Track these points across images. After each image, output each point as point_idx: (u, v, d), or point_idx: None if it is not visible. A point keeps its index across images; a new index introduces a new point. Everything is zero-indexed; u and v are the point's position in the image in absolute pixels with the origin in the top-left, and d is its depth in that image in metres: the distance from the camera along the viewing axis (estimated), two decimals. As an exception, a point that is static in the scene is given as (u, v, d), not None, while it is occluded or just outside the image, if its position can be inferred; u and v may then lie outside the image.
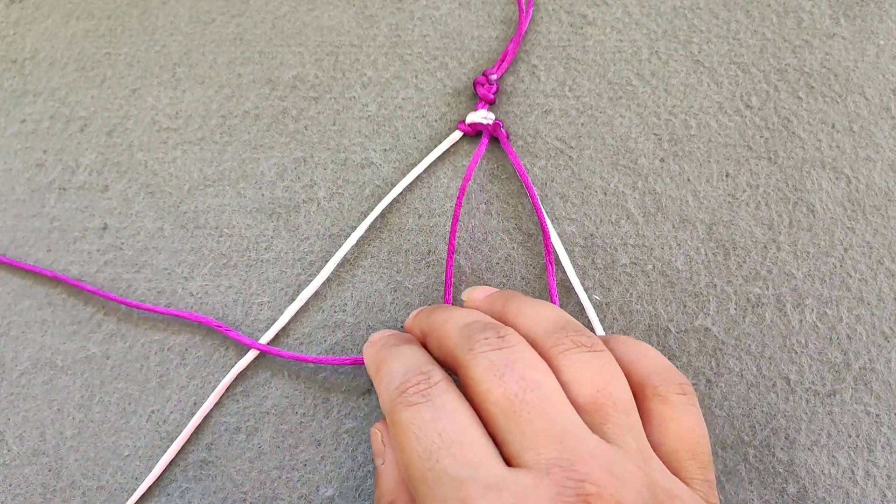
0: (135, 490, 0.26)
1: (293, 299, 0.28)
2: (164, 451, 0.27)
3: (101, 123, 0.31)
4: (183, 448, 0.27)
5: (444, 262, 0.29)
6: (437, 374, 0.21)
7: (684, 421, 0.21)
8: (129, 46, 0.32)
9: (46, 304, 0.29)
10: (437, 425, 0.20)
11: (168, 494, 0.26)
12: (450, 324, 0.22)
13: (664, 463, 0.20)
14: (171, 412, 0.27)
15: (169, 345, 0.28)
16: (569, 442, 0.19)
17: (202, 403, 0.27)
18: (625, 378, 0.21)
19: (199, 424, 0.27)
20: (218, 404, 0.27)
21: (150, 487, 0.26)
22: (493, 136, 0.30)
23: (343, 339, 0.28)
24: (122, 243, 0.30)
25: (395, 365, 0.21)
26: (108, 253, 0.29)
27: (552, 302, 0.27)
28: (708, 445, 0.21)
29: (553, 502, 0.18)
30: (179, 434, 0.27)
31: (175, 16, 0.33)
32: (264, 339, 0.28)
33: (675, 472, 0.20)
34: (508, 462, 0.19)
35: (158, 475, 0.26)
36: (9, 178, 0.31)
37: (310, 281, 0.29)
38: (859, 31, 0.32)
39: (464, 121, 0.30)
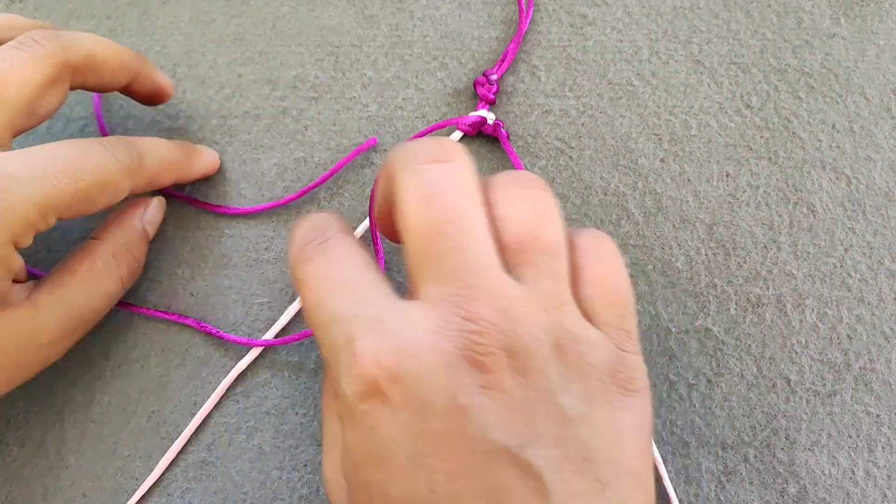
0: (135, 490, 0.26)
1: (293, 299, 0.28)
2: (165, 452, 0.26)
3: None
4: (183, 448, 0.27)
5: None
6: (333, 228, 0.22)
7: (601, 267, 0.21)
8: (129, 46, 0.32)
9: (46, 304, 0.29)
10: (328, 272, 0.20)
11: (168, 495, 0.26)
12: (400, 150, 0.21)
13: (581, 310, 0.20)
14: (171, 412, 0.27)
15: (169, 345, 0.28)
16: (471, 279, 0.19)
17: (202, 404, 0.27)
18: (561, 224, 0.20)
19: (200, 425, 0.27)
20: (218, 405, 0.27)
21: (150, 488, 0.26)
22: (493, 136, 0.30)
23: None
24: (123, 243, 0.29)
25: (297, 231, 0.22)
26: (108, 253, 0.29)
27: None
28: (629, 294, 0.21)
29: (434, 335, 0.18)
30: (179, 434, 0.27)
31: (175, 16, 0.33)
32: (266, 338, 0.28)
33: (589, 319, 0.20)
34: (411, 297, 0.19)
35: (159, 476, 0.26)
36: (9, 178, 0.31)
37: (310, 281, 0.29)
38: (859, 31, 0.32)
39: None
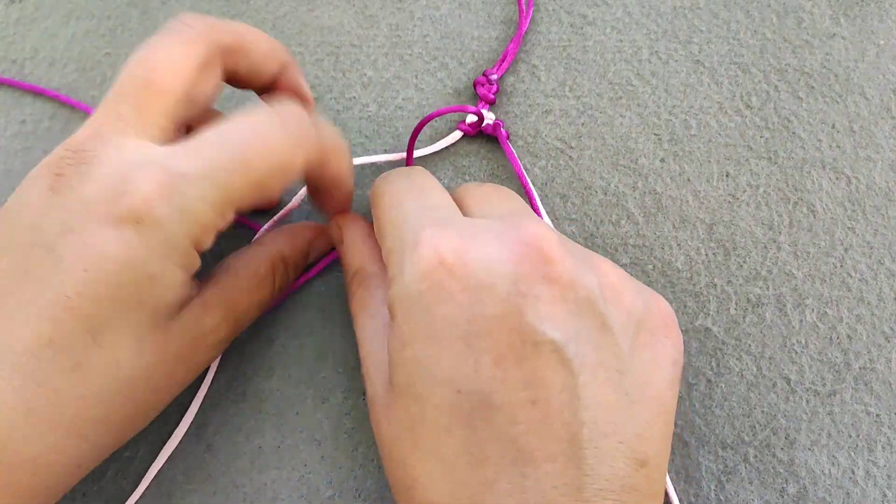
0: (133, 491, 0.26)
1: (293, 299, 0.28)
2: (164, 452, 0.26)
3: (101, 123, 0.31)
4: (183, 448, 0.27)
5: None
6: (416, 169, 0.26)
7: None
8: (130, 47, 0.32)
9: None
10: (409, 182, 0.24)
11: (168, 495, 0.26)
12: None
13: None
14: (172, 413, 0.27)
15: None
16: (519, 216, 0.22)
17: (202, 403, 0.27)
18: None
19: (200, 424, 0.27)
20: (218, 405, 0.27)
21: (150, 488, 0.26)
22: (493, 136, 0.30)
23: (343, 340, 0.28)
24: (123, 243, 0.29)
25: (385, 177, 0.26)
26: (108, 253, 0.29)
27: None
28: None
29: (501, 231, 0.21)
30: (180, 435, 0.27)
31: (175, 16, 0.33)
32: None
33: None
34: None
35: (156, 474, 0.26)
36: (9, 178, 0.31)
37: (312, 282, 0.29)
38: (859, 31, 0.32)
39: (464, 121, 0.30)
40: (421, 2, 0.33)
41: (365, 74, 0.32)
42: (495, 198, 0.24)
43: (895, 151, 0.30)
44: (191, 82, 0.22)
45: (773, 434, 0.27)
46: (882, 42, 0.32)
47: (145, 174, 0.20)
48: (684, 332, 0.28)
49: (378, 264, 0.25)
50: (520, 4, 0.32)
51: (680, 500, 0.26)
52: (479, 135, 0.31)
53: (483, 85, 0.31)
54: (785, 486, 0.26)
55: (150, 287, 0.20)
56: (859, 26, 0.32)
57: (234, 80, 0.25)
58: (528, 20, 0.32)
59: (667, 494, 0.26)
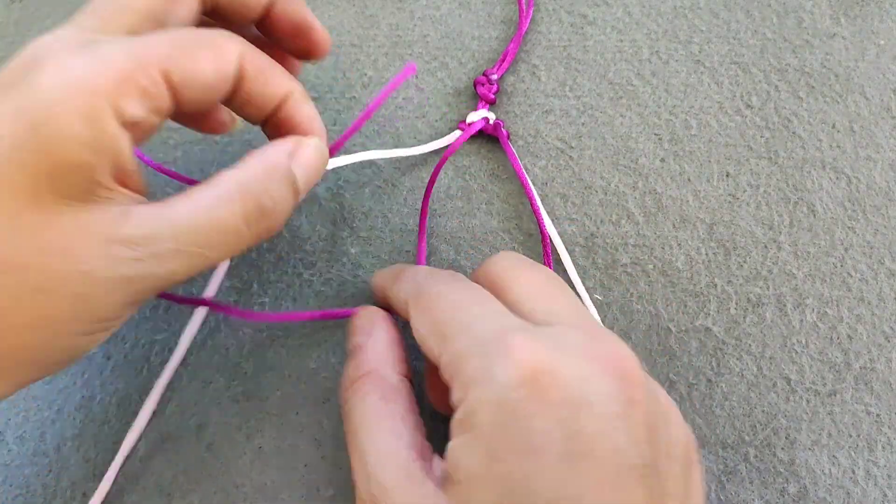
0: (134, 490, 0.26)
1: (295, 300, 0.28)
2: (164, 452, 0.26)
3: (101, 123, 0.31)
4: (184, 448, 0.27)
5: (446, 264, 0.29)
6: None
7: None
8: (130, 46, 0.32)
9: (47, 304, 0.29)
10: (461, 292, 0.22)
11: (168, 494, 0.26)
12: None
13: None
14: (172, 413, 0.27)
15: (170, 345, 0.28)
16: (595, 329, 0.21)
17: (202, 401, 0.27)
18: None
19: (200, 424, 0.27)
20: (219, 405, 0.27)
21: (150, 488, 0.26)
22: (493, 136, 0.30)
23: (343, 338, 0.28)
24: (123, 243, 0.29)
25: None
26: (108, 253, 0.29)
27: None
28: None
29: (585, 347, 0.19)
30: (180, 434, 0.27)
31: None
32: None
33: None
34: None
35: (158, 475, 0.26)
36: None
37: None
38: (859, 31, 0.32)
39: (464, 121, 0.30)
40: (421, 1, 0.33)
41: (365, 74, 0.32)
42: (555, 292, 0.22)
43: (895, 151, 0.30)
44: (159, 3, 0.20)
45: (774, 434, 0.27)
46: (882, 42, 0.32)
47: (60, 34, 0.19)
48: (685, 331, 0.28)
49: (399, 375, 0.23)
50: (520, 4, 0.32)
51: (680, 500, 0.26)
52: (480, 134, 0.31)
53: (483, 85, 0.31)
54: (785, 485, 0.26)
55: (38, 142, 0.17)
56: (859, 26, 0.32)
57: (217, 13, 0.23)
58: (529, 20, 0.32)
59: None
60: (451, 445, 0.19)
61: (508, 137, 0.30)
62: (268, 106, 0.22)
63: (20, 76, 0.18)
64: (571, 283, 0.28)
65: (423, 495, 0.19)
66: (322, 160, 0.23)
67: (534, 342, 0.19)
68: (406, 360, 0.23)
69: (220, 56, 0.20)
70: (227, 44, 0.20)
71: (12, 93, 0.18)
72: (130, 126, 0.18)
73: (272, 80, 0.21)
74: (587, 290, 0.28)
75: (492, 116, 0.30)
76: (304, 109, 0.22)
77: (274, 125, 0.22)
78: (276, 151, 0.21)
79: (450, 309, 0.21)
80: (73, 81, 0.17)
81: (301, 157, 0.22)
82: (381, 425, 0.21)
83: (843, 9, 0.33)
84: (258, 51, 0.21)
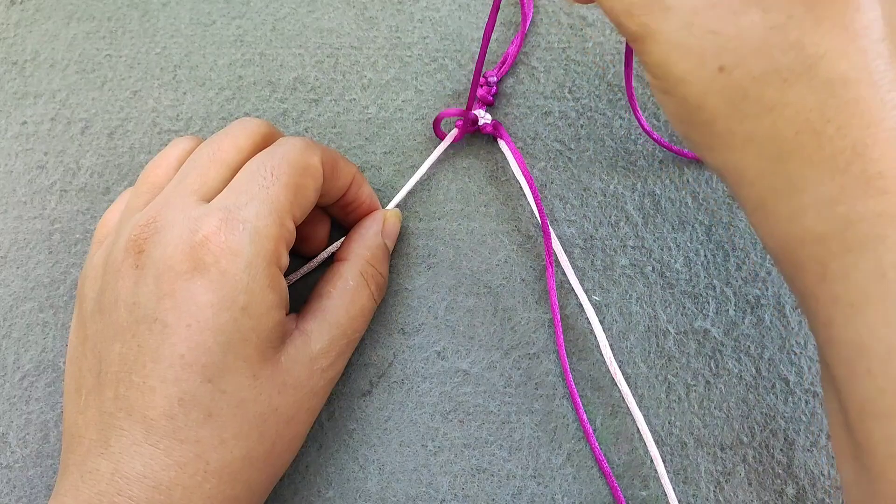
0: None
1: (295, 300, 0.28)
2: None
3: (101, 125, 0.31)
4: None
5: (446, 266, 0.29)
6: None
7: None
8: (130, 48, 0.32)
9: (48, 306, 0.29)
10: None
11: (170, 496, 0.26)
12: None
13: None
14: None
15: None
16: None
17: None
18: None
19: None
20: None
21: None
22: (492, 138, 0.30)
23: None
24: (124, 245, 0.30)
25: None
26: (109, 255, 0.29)
27: (552, 302, 0.28)
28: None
29: None
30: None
31: (176, 18, 0.33)
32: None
33: None
34: None
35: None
36: (10, 180, 0.31)
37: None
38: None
39: (461, 120, 0.30)
40: (421, 3, 0.33)
41: (364, 76, 0.32)
42: None
43: (894, 153, 0.30)
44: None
45: (772, 435, 0.27)
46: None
47: (207, 219, 0.22)
48: (683, 333, 0.28)
49: None
50: (522, 6, 0.32)
51: (679, 501, 0.26)
52: (479, 136, 0.31)
53: (482, 86, 0.31)
54: (784, 487, 0.26)
55: (247, 319, 0.22)
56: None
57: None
58: (528, 22, 0.32)
59: (665, 495, 0.26)
60: None
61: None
62: (339, 194, 0.27)
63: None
64: (570, 285, 0.28)
65: None
66: (399, 225, 0.29)
67: None
68: None
69: (318, 177, 0.25)
70: (316, 159, 0.25)
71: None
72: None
73: (341, 171, 0.26)
74: (586, 291, 0.28)
75: (488, 118, 0.30)
76: (365, 189, 0.28)
77: (341, 206, 0.28)
78: (371, 233, 0.27)
79: None
80: (251, 262, 0.22)
81: (388, 229, 0.28)
82: None
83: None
84: (327, 149, 0.26)
